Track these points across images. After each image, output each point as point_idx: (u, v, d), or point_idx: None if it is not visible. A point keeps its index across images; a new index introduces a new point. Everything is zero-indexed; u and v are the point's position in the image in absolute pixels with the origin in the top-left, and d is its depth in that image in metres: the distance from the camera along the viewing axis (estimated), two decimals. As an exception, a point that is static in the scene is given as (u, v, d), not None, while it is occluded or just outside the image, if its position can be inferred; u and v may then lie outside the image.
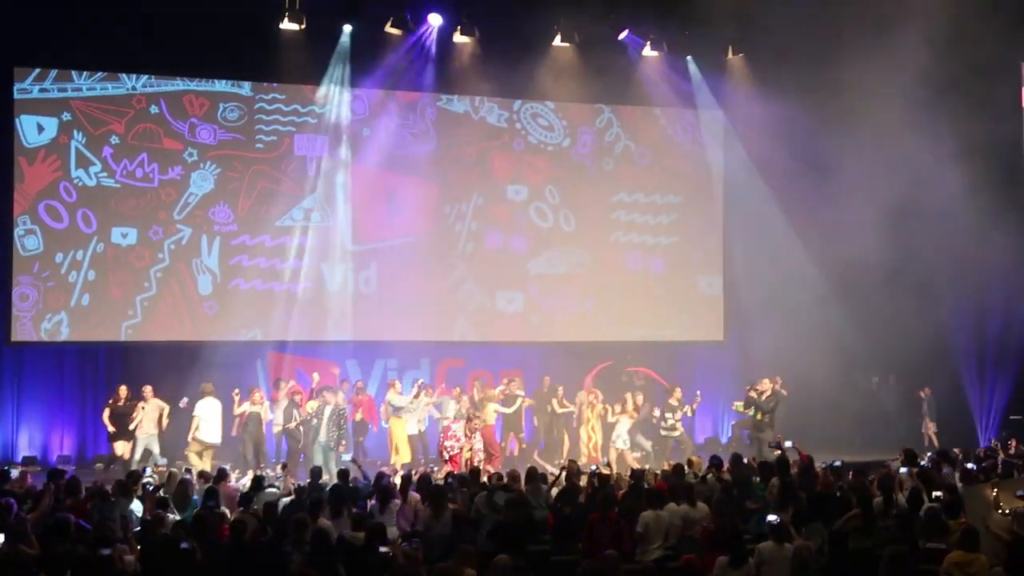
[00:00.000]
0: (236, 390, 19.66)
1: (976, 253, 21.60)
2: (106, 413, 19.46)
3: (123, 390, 19.49)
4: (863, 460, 19.39)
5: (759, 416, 20.97)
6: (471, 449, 18.80)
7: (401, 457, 19.86)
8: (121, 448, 19.27)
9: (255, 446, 19.31)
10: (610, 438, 20.51)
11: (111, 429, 19.40)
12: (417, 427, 20.34)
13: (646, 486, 14.18)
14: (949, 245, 21.44)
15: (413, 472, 16.06)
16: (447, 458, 18.66)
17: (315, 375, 20.38)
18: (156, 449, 19.23)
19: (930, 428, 23.18)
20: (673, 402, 20.99)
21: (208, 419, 19.25)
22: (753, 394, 21.13)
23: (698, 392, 21.70)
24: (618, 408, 20.77)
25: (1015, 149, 23.15)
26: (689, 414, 21.44)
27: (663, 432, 20.93)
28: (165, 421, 19.27)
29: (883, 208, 21.69)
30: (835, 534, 12.38)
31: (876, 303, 22.63)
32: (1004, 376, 23.38)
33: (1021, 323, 22.93)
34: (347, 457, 19.25)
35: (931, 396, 23.36)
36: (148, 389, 19.33)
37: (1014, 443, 20.01)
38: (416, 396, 20.08)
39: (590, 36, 22.28)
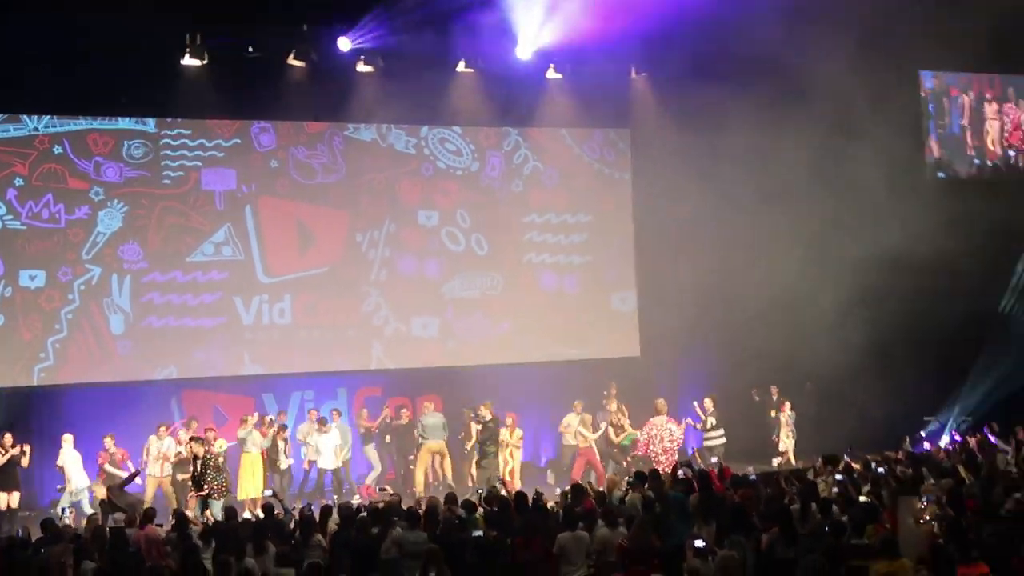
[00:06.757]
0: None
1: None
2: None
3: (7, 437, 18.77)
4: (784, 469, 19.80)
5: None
6: None
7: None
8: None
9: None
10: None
11: None
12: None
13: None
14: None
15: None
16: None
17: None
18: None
19: (788, 444, 22.50)
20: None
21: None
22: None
23: None
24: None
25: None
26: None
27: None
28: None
29: (798, 224, 22.27)
30: (759, 545, 12.54)
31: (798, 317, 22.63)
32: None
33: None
34: (268, 492, 18.29)
35: (791, 412, 22.76)
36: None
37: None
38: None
39: (493, 60, 22.44)
